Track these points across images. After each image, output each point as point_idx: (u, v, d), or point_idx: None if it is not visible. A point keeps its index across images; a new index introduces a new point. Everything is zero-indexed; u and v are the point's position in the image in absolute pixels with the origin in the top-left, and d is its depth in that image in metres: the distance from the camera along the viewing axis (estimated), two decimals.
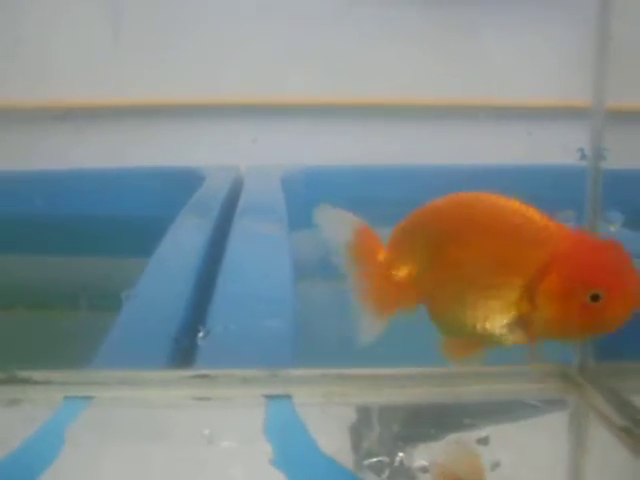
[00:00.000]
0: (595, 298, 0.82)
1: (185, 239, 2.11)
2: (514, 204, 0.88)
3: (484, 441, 1.12)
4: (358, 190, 2.87)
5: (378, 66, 3.16)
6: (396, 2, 3.19)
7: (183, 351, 1.37)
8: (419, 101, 3.16)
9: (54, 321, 1.98)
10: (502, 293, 0.86)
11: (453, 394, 1.24)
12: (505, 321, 0.87)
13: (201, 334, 1.30)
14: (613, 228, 1.23)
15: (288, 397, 1.19)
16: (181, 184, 2.85)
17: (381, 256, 0.92)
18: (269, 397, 1.19)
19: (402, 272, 0.92)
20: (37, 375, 1.25)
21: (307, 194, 2.85)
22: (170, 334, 1.44)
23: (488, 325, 0.87)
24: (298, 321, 1.53)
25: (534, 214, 0.87)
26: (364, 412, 1.21)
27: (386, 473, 1.06)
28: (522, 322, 0.86)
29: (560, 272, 0.83)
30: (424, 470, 1.07)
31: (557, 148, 1.55)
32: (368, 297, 0.92)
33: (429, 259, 0.90)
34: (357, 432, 1.17)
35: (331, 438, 1.13)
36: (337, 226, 0.93)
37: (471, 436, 1.13)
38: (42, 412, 1.16)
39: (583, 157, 1.20)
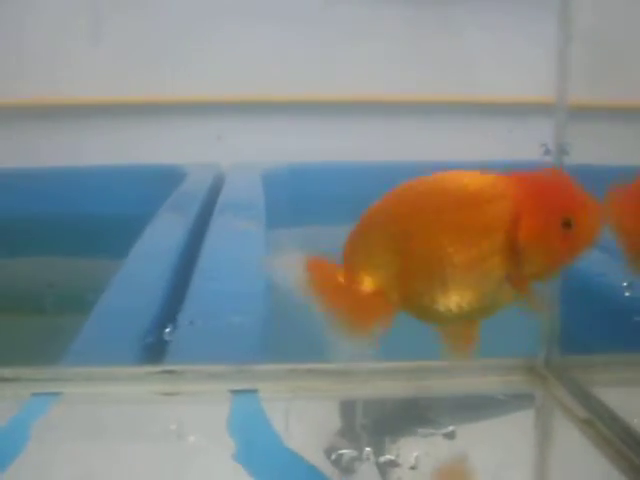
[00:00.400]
0: (568, 225, 0.84)
1: (163, 237, 2.12)
2: (457, 174, 0.88)
3: (450, 435, 1.13)
4: (340, 187, 2.88)
5: (357, 64, 3.17)
6: (374, 1, 3.20)
7: (152, 348, 1.38)
8: (399, 98, 3.18)
9: (25, 321, 1.98)
10: (484, 260, 0.85)
11: (419, 388, 1.24)
12: (496, 284, 0.86)
13: (168, 330, 1.30)
14: None
15: (254, 392, 1.19)
16: (163, 181, 2.85)
17: (339, 276, 0.88)
18: (235, 392, 1.19)
19: (367, 283, 0.88)
20: (6, 372, 1.25)
21: (288, 191, 2.86)
22: (141, 331, 1.45)
23: (481, 297, 0.86)
24: (270, 318, 1.54)
25: (479, 175, 0.87)
26: (330, 407, 1.21)
27: (352, 468, 1.06)
28: (509, 278, 0.86)
29: (530, 212, 0.85)
30: (391, 464, 1.07)
31: (525, 144, 1.56)
32: (342, 321, 0.88)
33: (394, 260, 0.87)
34: (323, 426, 1.17)
35: (297, 433, 1.13)
36: (286, 270, 0.91)
37: (438, 430, 1.14)
38: (9, 408, 1.17)
39: (547, 152, 1.21)
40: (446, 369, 1.25)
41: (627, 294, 1.23)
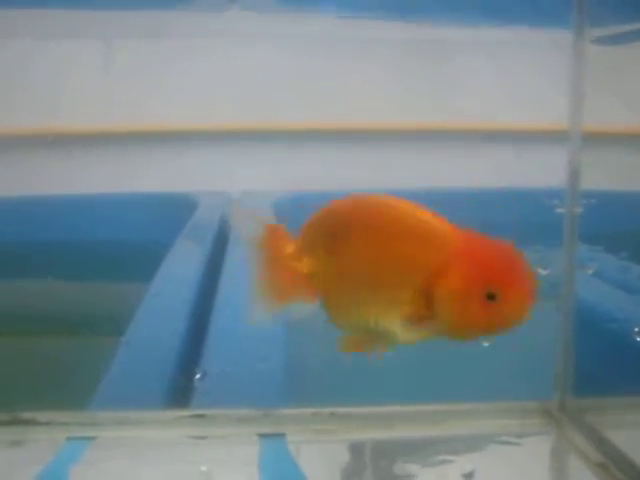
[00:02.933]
0: (492, 297, 0.84)
1: (180, 271, 2.16)
2: (411, 206, 0.91)
3: (469, 476, 1.18)
4: None
5: (360, 91, 3.22)
6: (372, 26, 3.24)
7: (179, 391, 1.42)
8: (401, 126, 3.22)
9: (50, 350, 2.02)
10: (394, 292, 0.88)
11: (438, 430, 1.29)
12: (398, 320, 0.88)
13: (198, 376, 1.35)
14: (590, 272, 1.29)
15: (281, 435, 1.24)
16: (174, 210, 2.90)
17: (288, 249, 0.96)
18: (263, 436, 1.25)
19: (304, 266, 0.94)
20: (39, 416, 1.30)
21: (299, 219, 2.90)
22: (166, 374, 1.49)
23: (381, 323, 0.89)
24: (290, 357, 1.59)
25: (430, 217, 0.89)
26: (353, 449, 1.26)
27: None
28: (417, 322, 0.87)
29: (456, 271, 0.85)
30: None
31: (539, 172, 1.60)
32: (268, 283, 0.95)
33: (328, 255, 0.93)
34: (347, 469, 1.22)
35: (322, 475, 1.18)
36: (249, 223, 0.97)
37: (456, 471, 1.19)
38: (45, 453, 1.22)
39: (562, 204, 1.26)
40: (463, 412, 1.31)
41: (639, 339, 1.28)
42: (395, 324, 0.89)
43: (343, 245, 0.92)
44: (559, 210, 1.24)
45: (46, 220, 2.93)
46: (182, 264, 2.23)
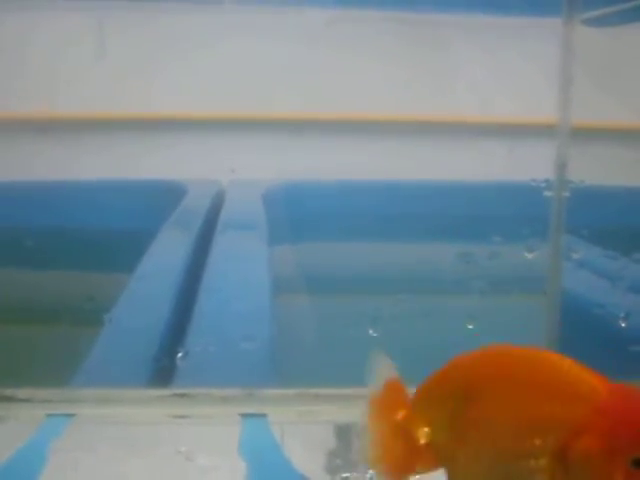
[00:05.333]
0: (639, 463, 0.70)
1: (166, 256, 2.15)
2: (548, 355, 0.78)
3: None
4: (339, 205, 2.92)
5: (358, 83, 3.21)
6: (372, 20, 3.24)
7: (162, 370, 1.41)
8: (399, 117, 3.22)
9: (34, 336, 2.01)
10: (528, 460, 0.74)
11: None
12: None
13: (180, 354, 1.34)
14: (576, 256, 1.28)
15: (263, 416, 1.23)
16: (163, 197, 2.89)
17: (401, 412, 0.84)
18: (245, 416, 1.23)
19: (421, 433, 0.83)
20: (20, 393, 1.28)
21: (288, 208, 2.89)
22: (150, 353, 1.48)
23: None
24: (276, 338, 1.58)
25: (570, 366, 0.76)
26: (337, 431, 1.25)
27: None
28: None
29: (598, 430, 0.72)
30: None
31: (528, 166, 1.59)
32: (383, 458, 0.85)
33: (450, 420, 0.81)
34: (330, 451, 1.21)
35: (304, 456, 1.17)
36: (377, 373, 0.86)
37: None
38: (25, 429, 1.20)
39: (548, 187, 1.25)
40: None
41: (623, 325, 1.27)
42: None
43: (467, 407, 0.80)
44: (547, 193, 1.24)
45: (33, 206, 2.91)
46: (168, 249, 2.22)
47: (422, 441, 0.83)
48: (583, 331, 1.28)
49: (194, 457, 1.17)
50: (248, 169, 2.97)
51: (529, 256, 1.22)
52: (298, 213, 2.78)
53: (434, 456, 0.83)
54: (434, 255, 2.36)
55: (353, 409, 1.26)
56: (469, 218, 2.42)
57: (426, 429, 0.83)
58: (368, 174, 2.94)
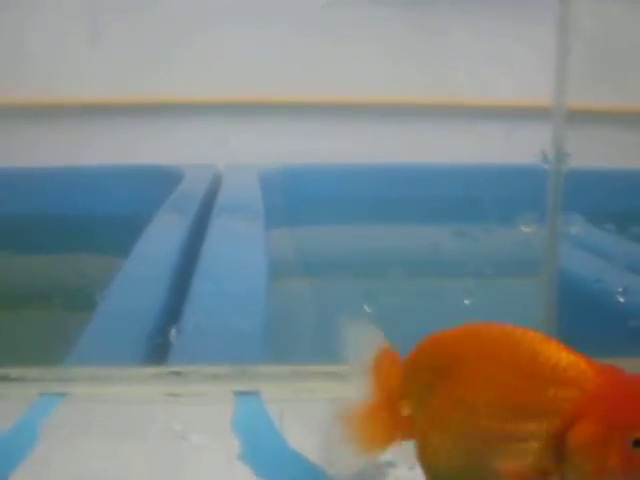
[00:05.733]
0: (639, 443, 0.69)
1: (162, 238, 2.14)
2: (534, 336, 0.76)
3: None
4: (336, 188, 2.90)
5: (354, 66, 3.19)
6: (368, 3, 3.22)
7: (157, 348, 1.40)
8: (395, 100, 3.20)
9: (30, 319, 2.00)
10: (518, 444, 0.73)
11: None
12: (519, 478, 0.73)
13: (173, 332, 1.33)
14: (574, 230, 1.26)
15: (257, 393, 1.22)
16: (160, 182, 2.87)
17: (395, 381, 0.84)
18: (238, 393, 1.22)
19: (406, 405, 0.83)
20: (12, 372, 1.27)
21: (285, 192, 2.88)
22: (145, 332, 1.47)
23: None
24: (270, 318, 1.57)
25: (558, 348, 0.75)
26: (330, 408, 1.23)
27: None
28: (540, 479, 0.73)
29: (595, 415, 0.70)
30: (390, 465, 1.09)
31: (526, 148, 1.58)
32: (363, 422, 0.84)
33: (430, 396, 0.80)
34: (325, 428, 1.19)
35: (299, 434, 1.16)
36: (363, 345, 0.85)
37: None
38: (16, 408, 1.19)
39: (545, 160, 1.23)
40: None
41: (622, 300, 1.25)
42: None
43: (449, 385, 0.78)
44: (545, 166, 1.22)
45: (29, 192, 2.90)
46: (164, 233, 2.21)
47: (405, 413, 0.83)
48: (581, 307, 1.26)
49: (188, 435, 1.16)
50: (245, 153, 2.96)
51: (527, 230, 1.20)
52: (295, 196, 2.76)
53: (413, 430, 0.82)
54: (433, 236, 2.34)
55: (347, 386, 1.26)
56: (468, 200, 2.40)
57: (410, 400, 0.83)
58: (365, 157, 2.92)
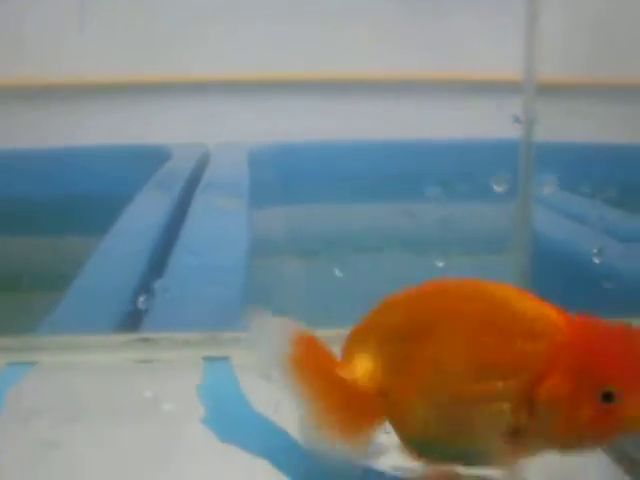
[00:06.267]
0: (608, 397, 0.68)
1: (145, 213, 2.13)
2: (502, 289, 0.74)
3: None
4: (325, 166, 2.89)
5: (344, 43, 3.17)
6: None
7: (130, 318, 1.39)
8: (385, 76, 3.18)
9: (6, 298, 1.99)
10: (490, 405, 0.71)
11: None
12: (492, 439, 0.71)
13: (142, 298, 1.31)
14: (548, 190, 1.25)
15: (226, 359, 1.21)
16: (149, 161, 2.86)
17: (335, 368, 0.77)
18: (207, 359, 1.21)
19: (364, 383, 0.77)
20: None
21: (274, 170, 2.86)
22: (120, 303, 1.46)
23: (470, 444, 0.73)
24: (249, 292, 1.55)
25: (527, 300, 0.73)
26: None
27: None
28: (512, 437, 0.71)
29: (563, 368, 0.69)
30: None
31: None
32: (326, 420, 0.76)
33: (395, 363, 0.76)
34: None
35: (266, 400, 1.14)
36: (274, 337, 0.78)
37: None
38: None
39: (517, 120, 1.22)
40: None
41: (597, 261, 1.24)
42: (491, 444, 0.72)
43: (415, 348, 0.74)
44: (516, 125, 1.20)
45: (15, 173, 2.88)
46: (146, 209, 2.20)
47: (367, 390, 0.76)
48: (556, 268, 1.25)
49: (158, 402, 1.15)
50: (241, 131, 2.94)
51: (498, 189, 1.19)
52: (283, 175, 2.75)
53: (378, 407, 0.77)
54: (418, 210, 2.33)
55: None
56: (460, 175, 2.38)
57: (368, 376, 0.77)
58: (352, 134, 2.90)
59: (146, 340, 1.25)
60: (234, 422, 1.03)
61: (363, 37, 3.20)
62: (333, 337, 0.83)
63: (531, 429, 0.70)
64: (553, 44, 1.43)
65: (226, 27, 3.20)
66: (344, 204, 2.65)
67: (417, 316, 0.76)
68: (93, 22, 3.19)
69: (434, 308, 0.76)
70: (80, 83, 3.19)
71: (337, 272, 1.33)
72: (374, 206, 2.47)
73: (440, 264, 1.35)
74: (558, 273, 1.25)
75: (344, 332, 0.89)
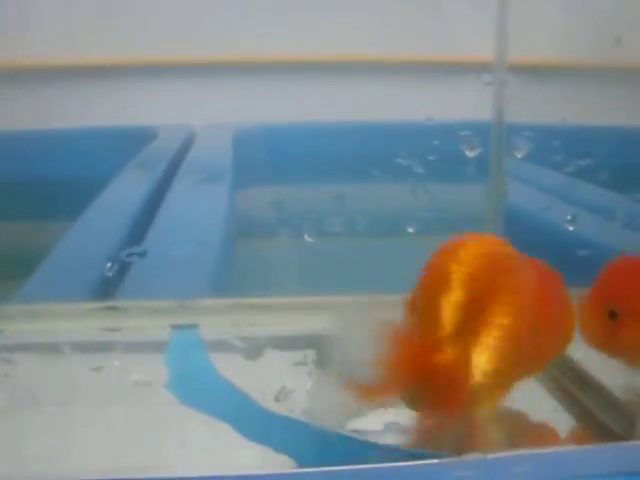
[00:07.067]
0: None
1: (124, 192, 2.11)
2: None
3: None
4: (312, 148, 2.87)
5: (327, 24, 3.15)
6: None
7: (101, 288, 1.37)
8: (373, 57, 3.16)
9: None
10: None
11: None
12: None
13: (109, 265, 1.29)
14: (519, 155, 1.24)
15: (194, 327, 1.19)
16: (132, 143, 2.83)
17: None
18: (175, 327, 1.19)
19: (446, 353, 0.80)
20: None
21: (261, 151, 2.84)
22: (91, 275, 1.44)
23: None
24: (223, 268, 1.54)
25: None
26: (272, 342, 1.20)
27: (289, 400, 1.05)
28: None
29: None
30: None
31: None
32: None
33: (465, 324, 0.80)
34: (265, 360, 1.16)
35: (233, 366, 1.13)
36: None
37: None
38: None
39: (488, 84, 1.21)
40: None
41: (571, 228, 1.23)
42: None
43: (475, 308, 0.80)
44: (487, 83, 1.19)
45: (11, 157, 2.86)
46: (125, 189, 2.18)
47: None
48: (530, 235, 1.23)
49: (125, 370, 1.13)
50: (227, 113, 2.91)
51: (471, 154, 1.18)
52: (266, 156, 2.73)
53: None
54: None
55: (288, 318, 1.24)
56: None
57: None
58: (340, 116, 2.88)
59: (113, 308, 1.23)
60: (197, 385, 1.02)
61: (348, 19, 3.18)
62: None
63: None
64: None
65: (212, 7, 3.17)
66: (329, 185, 2.64)
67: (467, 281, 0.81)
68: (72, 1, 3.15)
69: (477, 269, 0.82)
70: (61, 65, 3.16)
71: (306, 237, 1.32)
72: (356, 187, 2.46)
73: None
74: (532, 241, 1.24)
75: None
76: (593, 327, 0.89)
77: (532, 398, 0.97)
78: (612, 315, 0.86)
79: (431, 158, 1.34)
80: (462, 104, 1.44)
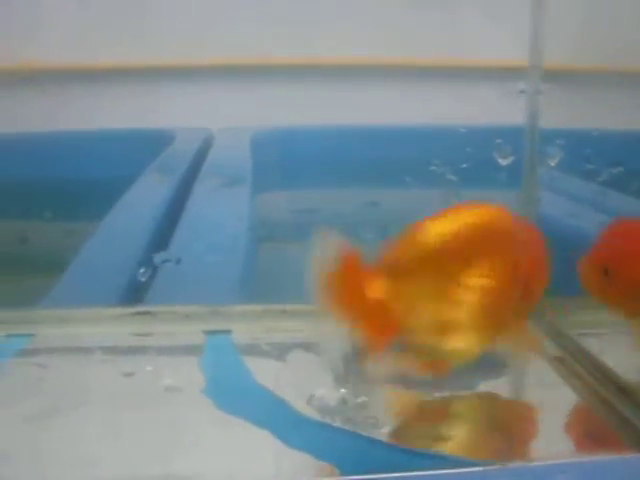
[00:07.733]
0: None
1: (147, 194, 2.12)
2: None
3: None
4: (328, 150, 2.87)
5: (344, 29, 3.15)
6: None
7: (132, 292, 1.37)
8: (390, 61, 3.16)
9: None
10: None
11: None
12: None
13: (142, 270, 1.30)
14: (552, 163, 1.23)
15: (227, 332, 1.19)
16: (151, 145, 2.84)
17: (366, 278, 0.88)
18: (208, 333, 1.19)
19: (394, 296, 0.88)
20: None
21: (278, 154, 2.85)
22: (121, 279, 1.45)
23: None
24: (252, 270, 1.54)
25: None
26: (307, 348, 1.20)
27: (327, 409, 1.05)
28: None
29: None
30: (364, 407, 1.07)
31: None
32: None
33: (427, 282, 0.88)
34: (300, 368, 1.16)
35: (270, 372, 1.13)
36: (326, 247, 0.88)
37: None
38: None
39: (522, 92, 1.21)
40: None
41: None
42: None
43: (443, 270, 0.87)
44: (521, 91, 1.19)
45: (18, 157, 2.87)
46: (147, 191, 2.18)
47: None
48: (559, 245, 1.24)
49: (158, 375, 1.13)
50: (240, 117, 2.92)
51: (503, 163, 1.18)
52: (285, 158, 2.73)
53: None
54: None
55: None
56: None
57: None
58: (358, 120, 2.89)
59: (146, 313, 1.23)
60: (233, 391, 1.02)
61: (365, 22, 3.18)
62: None
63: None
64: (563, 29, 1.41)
65: (221, 10, 3.17)
66: (344, 188, 2.64)
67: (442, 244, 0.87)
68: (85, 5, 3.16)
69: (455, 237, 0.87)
70: (80, 68, 3.17)
71: None
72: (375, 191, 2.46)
73: None
74: (561, 249, 1.23)
75: None
76: (591, 281, 1.02)
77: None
78: (605, 272, 0.99)
79: (464, 165, 1.34)
80: (495, 111, 1.44)
